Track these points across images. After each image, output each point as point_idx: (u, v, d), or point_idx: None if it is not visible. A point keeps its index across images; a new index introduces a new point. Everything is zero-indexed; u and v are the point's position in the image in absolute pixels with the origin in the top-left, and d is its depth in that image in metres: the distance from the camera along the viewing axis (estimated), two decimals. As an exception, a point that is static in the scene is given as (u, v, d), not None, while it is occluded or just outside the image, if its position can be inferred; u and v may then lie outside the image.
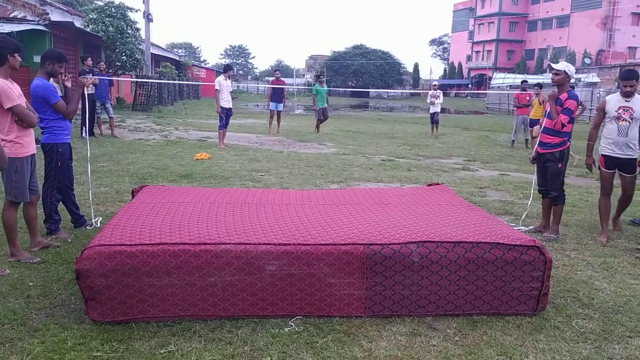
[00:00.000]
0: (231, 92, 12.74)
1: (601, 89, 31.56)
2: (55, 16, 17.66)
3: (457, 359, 3.07)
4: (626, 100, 5.53)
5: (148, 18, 25.38)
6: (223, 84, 11.95)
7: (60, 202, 5.21)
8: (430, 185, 6.07)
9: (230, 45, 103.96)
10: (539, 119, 11.11)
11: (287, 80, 51.09)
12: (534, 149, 5.94)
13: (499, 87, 45.39)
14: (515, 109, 15.40)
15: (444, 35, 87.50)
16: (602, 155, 5.75)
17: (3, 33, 12.45)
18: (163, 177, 8.06)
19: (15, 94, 4.19)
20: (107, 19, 20.46)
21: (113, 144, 11.59)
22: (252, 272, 3.36)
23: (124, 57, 20.99)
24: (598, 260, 4.92)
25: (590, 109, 26.58)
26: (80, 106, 7.07)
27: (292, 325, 3.36)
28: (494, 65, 63.84)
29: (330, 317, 3.47)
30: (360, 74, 63.76)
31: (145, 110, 22.48)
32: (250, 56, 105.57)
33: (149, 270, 3.27)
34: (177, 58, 42.69)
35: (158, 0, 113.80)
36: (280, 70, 20.31)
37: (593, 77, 38.69)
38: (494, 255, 3.52)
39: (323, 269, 3.40)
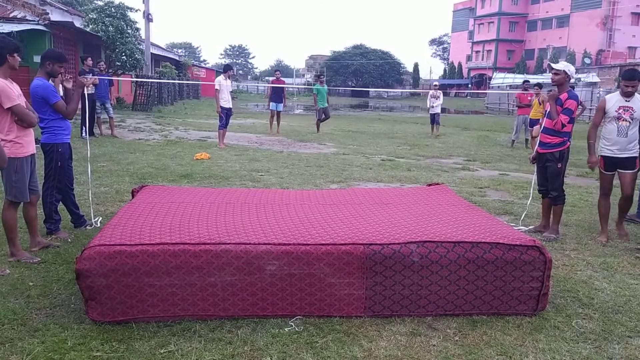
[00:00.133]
0: (231, 92, 12.74)
1: (601, 89, 31.56)
2: (55, 16, 17.66)
3: (457, 358, 3.07)
4: (626, 100, 5.48)
5: (148, 18, 25.37)
6: (223, 83, 11.95)
7: (60, 202, 5.21)
8: (430, 185, 6.07)
9: (230, 45, 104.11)
10: (538, 119, 11.12)
11: (287, 80, 51.13)
12: (534, 149, 5.93)
13: (498, 87, 45.40)
14: (516, 108, 15.40)
15: (444, 35, 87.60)
16: (601, 156, 5.69)
17: (3, 33, 12.46)
18: (163, 177, 8.06)
19: (14, 93, 4.19)
20: (107, 18, 20.46)
21: (113, 143, 11.59)
22: (252, 272, 3.36)
23: (124, 57, 20.99)
24: (598, 260, 4.92)
25: (590, 109, 26.56)
26: (80, 106, 7.06)
27: (292, 325, 3.36)
28: (494, 65, 63.85)
29: (330, 317, 3.47)
30: (360, 74, 63.74)
31: (145, 110, 22.48)
32: (250, 56, 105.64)
33: (149, 270, 3.27)
34: (177, 58, 42.68)
35: (158, 0, 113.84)
36: (280, 70, 20.32)
37: (593, 77, 38.71)
38: (493, 255, 3.52)
39: (323, 269, 3.40)
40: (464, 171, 10.08)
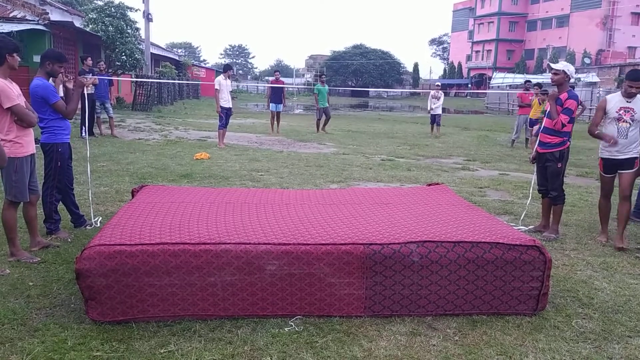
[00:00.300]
0: (231, 91, 12.75)
1: (601, 89, 31.58)
2: (55, 16, 17.66)
3: (457, 358, 3.08)
4: (627, 101, 5.37)
5: (148, 18, 25.36)
6: (223, 83, 11.96)
7: (60, 202, 5.21)
8: (430, 185, 6.07)
9: (230, 45, 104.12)
10: (538, 119, 11.15)
11: (287, 80, 51.09)
12: (534, 149, 5.93)
13: (498, 86, 45.41)
14: (517, 108, 15.41)
15: (444, 35, 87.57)
16: (601, 158, 5.59)
17: (3, 33, 12.46)
18: (163, 176, 8.06)
19: (14, 93, 4.19)
20: (106, 18, 20.45)
21: (113, 143, 11.59)
22: (252, 271, 3.36)
23: (124, 56, 20.98)
24: (598, 259, 4.92)
25: (590, 109, 26.58)
26: (80, 106, 7.07)
27: (292, 325, 3.36)
28: (494, 65, 63.85)
29: (330, 317, 3.47)
30: (360, 74, 63.74)
31: (145, 110, 22.48)
32: (250, 56, 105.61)
33: (149, 270, 3.27)
34: (177, 58, 42.68)
35: (158, 0, 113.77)
36: (280, 70, 20.35)
37: (593, 77, 38.72)
38: (493, 255, 3.52)
39: (323, 269, 3.40)
40: (463, 171, 10.08)
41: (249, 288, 3.38)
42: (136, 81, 23.11)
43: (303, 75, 74.08)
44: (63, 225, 5.21)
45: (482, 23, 68.09)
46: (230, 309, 3.40)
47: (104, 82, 12.50)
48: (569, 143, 5.65)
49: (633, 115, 5.35)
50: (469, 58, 70.83)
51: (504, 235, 3.67)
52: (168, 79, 28.92)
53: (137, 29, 22.94)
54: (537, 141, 5.80)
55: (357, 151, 12.37)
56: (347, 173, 9.15)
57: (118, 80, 21.57)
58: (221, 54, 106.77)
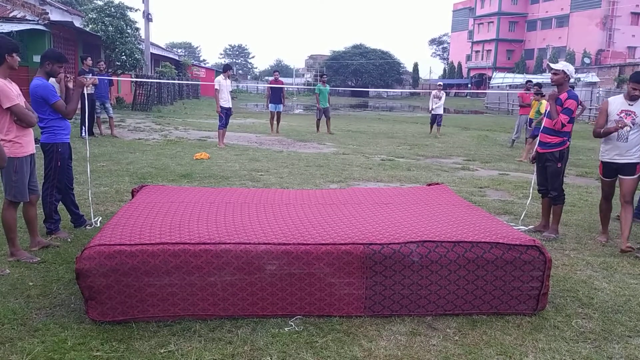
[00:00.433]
0: (231, 91, 12.75)
1: (600, 89, 31.58)
2: (55, 16, 17.67)
3: (457, 358, 3.08)
4: (629, 104, 5.29)
5: (148, 18, 25.36)
6: (222, 83, 11.96)
7: (60, 201, 5.21)
8: (430, 185, 6.08)
9: (229, 45, 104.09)
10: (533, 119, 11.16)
11: (286, 80, 51.06)
12: (534, 149, 5.93)
13: (498, 86, 45.41)
14: (518, 108, 15.41)
15: (444, 35, 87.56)
16: (601, 161, 5.55)
17: (2, 33, 12.45)
18: (163, 176, 8.06)
19: (14, 93, 4.19)
20: (106, 18, 20.45)
21: (113, 143, 11.59)
22: (252, 271, 3.36)
23: (124, 56, 20.98)
24: (598, 259, 4.92)
25: (590, 109, 26.59)
26: (79, 106, 7.06)
27: (292, 325, 3.36)
28: (494, 64, 63.84)
29: (330, 317, 3.47)
30: (359, 74, 63.73)
31: (144, 110, 22.48)
32: (250, 56, 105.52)
33: (149, 269, 3.27)
34: (177, 58, 42.67)
35: (158, 0, 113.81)
36: (280, 70, 20.38)
37: (592, 77, 38.69)
38: (493, 255, 3.52)
39: (323, 269, 3.40)
40: (463, 171, 10.08)
41: (248, 288, 3.38)
42: (136, 81, 23.11)
43: (303, 75, 74.06)
44: (63, 225, 5.21)
45: (482, 23, 68.08)
46: (230, 308, 3.40)
47: (103, 82, 12.50)
48: (568, 143, 5.65)
49: (634, 119, 5.24)
50: (468, 58, 70.83)
51: (503, 235, 3.67)
52: (168, 79, 28.91)
53: (137, 29, 22.94)
54: (537, 141, 5.80)
55: (357, 151, 12.37)
56: (347, 173, 9.15)
57: (118, 80, 21.58)
58: (221, 54, 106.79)
